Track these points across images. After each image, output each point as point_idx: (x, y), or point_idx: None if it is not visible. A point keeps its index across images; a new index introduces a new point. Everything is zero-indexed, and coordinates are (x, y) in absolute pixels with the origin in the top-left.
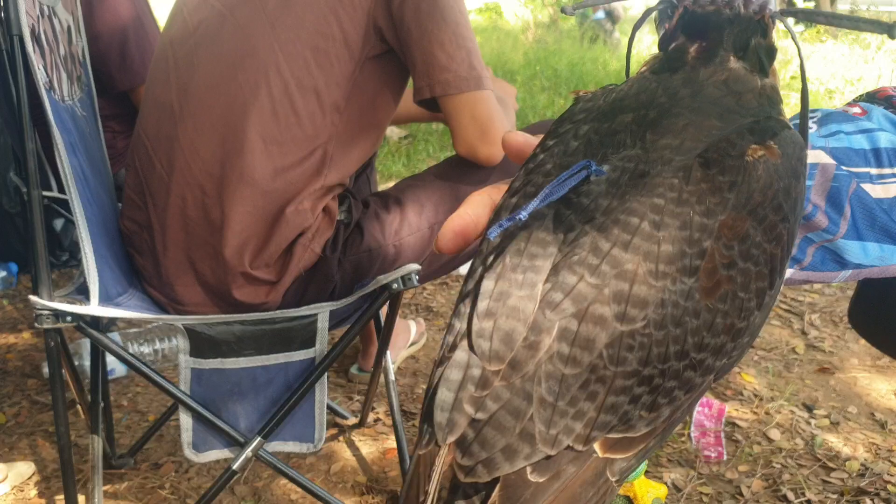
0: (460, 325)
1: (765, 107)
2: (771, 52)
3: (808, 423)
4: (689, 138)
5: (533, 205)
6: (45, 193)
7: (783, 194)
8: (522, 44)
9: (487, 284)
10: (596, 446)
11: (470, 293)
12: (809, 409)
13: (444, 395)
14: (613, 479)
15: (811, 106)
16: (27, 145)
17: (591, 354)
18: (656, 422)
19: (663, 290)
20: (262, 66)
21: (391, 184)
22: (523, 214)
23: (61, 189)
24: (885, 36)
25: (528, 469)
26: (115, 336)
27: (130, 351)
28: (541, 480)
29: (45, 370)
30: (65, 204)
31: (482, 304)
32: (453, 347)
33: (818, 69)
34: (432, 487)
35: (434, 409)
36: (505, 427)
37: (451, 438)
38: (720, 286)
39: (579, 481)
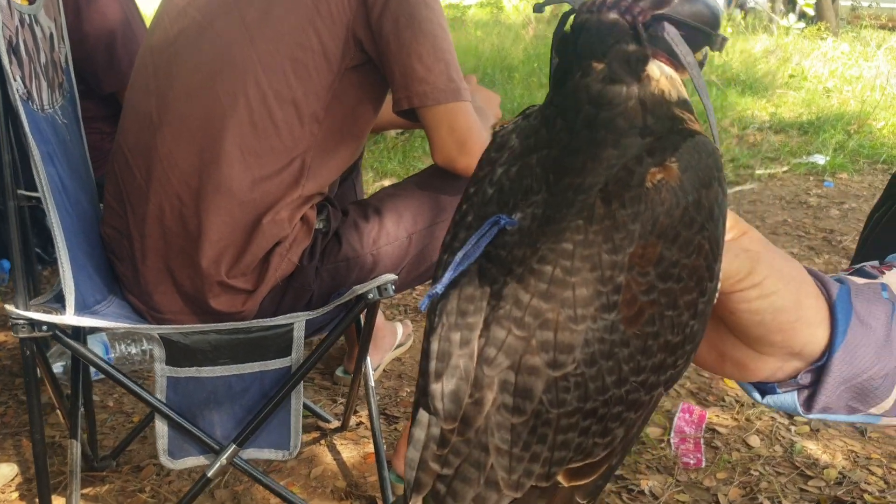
0: (422, 382)
1: (661, 119)
2: (643, 59)
3: (788, 430)
4: (589, 174)
5: (448, 275)
6: (32, 194)
7: (694, 208)
8: (523, 39)
9: (433, 346)
10: (560, 478)
11: (425, 352)
12: (790, 416)
13: (412, 454)
14: (584, 502)
15: (810, 105)
16: (3, 157)
17: (532, 402)
18: (613, 443)
19: (586, 331)
20: (241, 78)
21: (386, 182)
22: (439, 288)
23: None
24: (885, 33)
25: None
26: (103, 336)
27: (118, 351)
28: None
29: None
30: None
31: (431, 365)
32: (416, 404)
33: (817, 67)
34: None
35: (406, 469)
36: (470, 479)
37: (418, 496)
38: (643, 312)
39: None
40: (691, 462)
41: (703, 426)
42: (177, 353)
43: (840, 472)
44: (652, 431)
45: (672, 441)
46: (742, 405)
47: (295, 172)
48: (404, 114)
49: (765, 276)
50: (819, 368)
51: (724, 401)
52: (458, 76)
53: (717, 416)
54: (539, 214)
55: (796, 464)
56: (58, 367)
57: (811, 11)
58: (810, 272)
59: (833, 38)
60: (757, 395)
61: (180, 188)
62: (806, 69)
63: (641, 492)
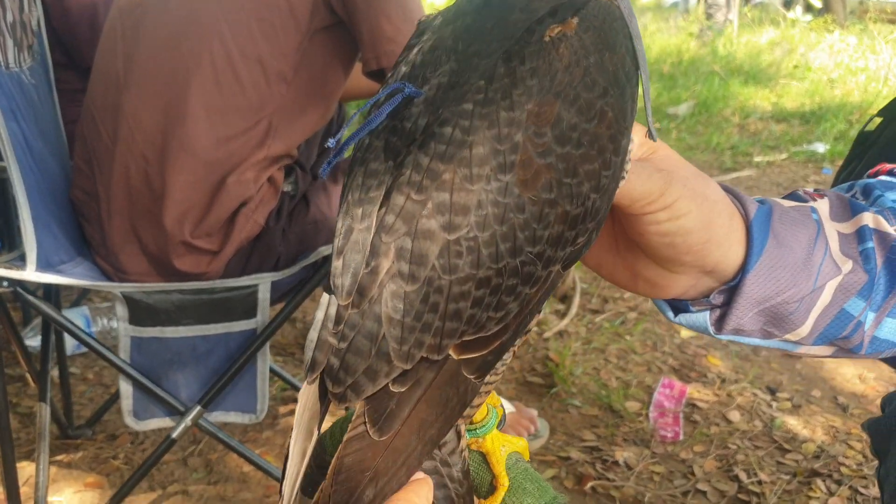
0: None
1: None
2: None
3: (770, 406)
4: (495, 39)
5: (342, 133)
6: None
7: (596, 69)
8: None
9: (338, 224)
10: (451, 352)
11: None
12: (773, 391)
13: (311, 336)
14: (472, 377)
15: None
16: None
17: (425, 268)
18: (507, 319)
19: (480, 192)
20: (206, 35)
21: None
22: (332, 142)
23: None
24: (894, 27)
25: (390, 383)
26: (84, 310)
27: (99, 324)
28: (402, 390)
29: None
30: None
31: (335, 244)
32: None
33: (823, 59)
34: (304, 418)
35: (305, 351)
36: (363, 351)
37: (314, 374)
38: (540, 176)
39: (438, 384)
40: (669, 435)
41: (684, 401)
42: (139, 312)
43: (819, 447)
44: (630, 405)
45: (651, 415)
46: (724, 381)
47: (261, 133)
48: (374, 75)
49: (676, 196)
50: (732, 288)
51: (706, 377)
52: None
53: (699, 391)
54: (444, 83)
55: (775, 438)
56: (36, 341)
57: (818, 3)
58: (728, 190)
59: (840, 30)
60: (670, 314)
61: (145, 147)
62: (810, 60)
63: (616, 462)
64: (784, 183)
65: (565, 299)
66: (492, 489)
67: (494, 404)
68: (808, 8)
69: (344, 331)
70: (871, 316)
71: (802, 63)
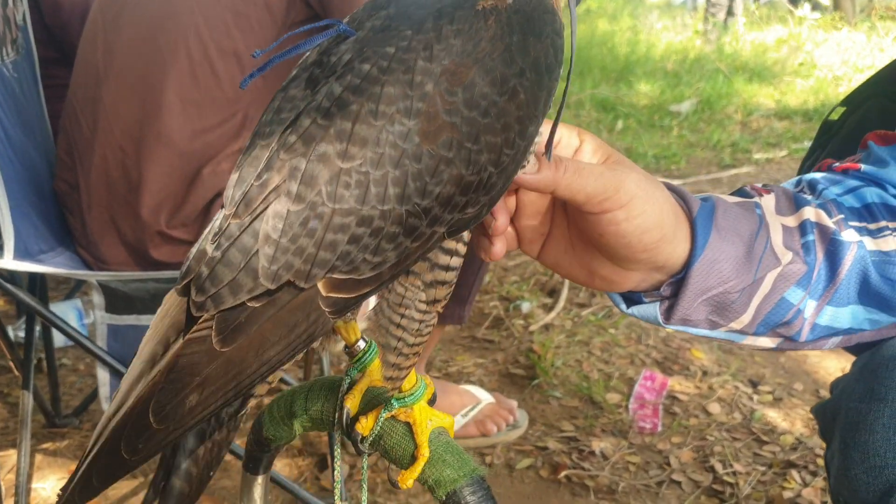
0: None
1: None
2: None
3: (751, 399)
4: None
5: (273, 52)
6: None
7: (518, 49)
8: None
9: (247, 142)
10: (319, 286)
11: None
12: (754, 384)
13: (194, 248)
14: (327, 310)
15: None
16: None
17: (312, 190)
18: (382, 267)
19: (382, 129)
20: (182, 29)
21: None
22: (257, 53)
23: None
24: None
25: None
26: (77, 302)
27: (91, 317)
28: (256, 306)
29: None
30: None
31: (238, 159)
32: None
33: (829, 56)
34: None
35: (184, 261)
36: (233, 263)
37: (184, 281)
38: (442, 132)
39: (290, 307)
40: (647, 427)
41: (664, 393)
42: (116, 300)
43: (797, 439)
44: (610, 397)
45: (630, 406)
46: (706, 374)
47: (237, 125)
48: None
49: (631, 195)
50: (679, 281)
51: (688, 370)
52: None
53: (680, 384)
54: (377, 26)
55: (753, 430)
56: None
57: (827, 1)
58: (670, 188)
59: (848, 27)
60: (623, 306)
61: (123, 139)
62: (816, 58)
63: (592, 452)
64: (782, 179)
65: (553, 293)
66: (413, 460)
67: (428, 383)
68: (816, 6)
69: (220, 240)
70: (811, 304)
71: (808, 61)
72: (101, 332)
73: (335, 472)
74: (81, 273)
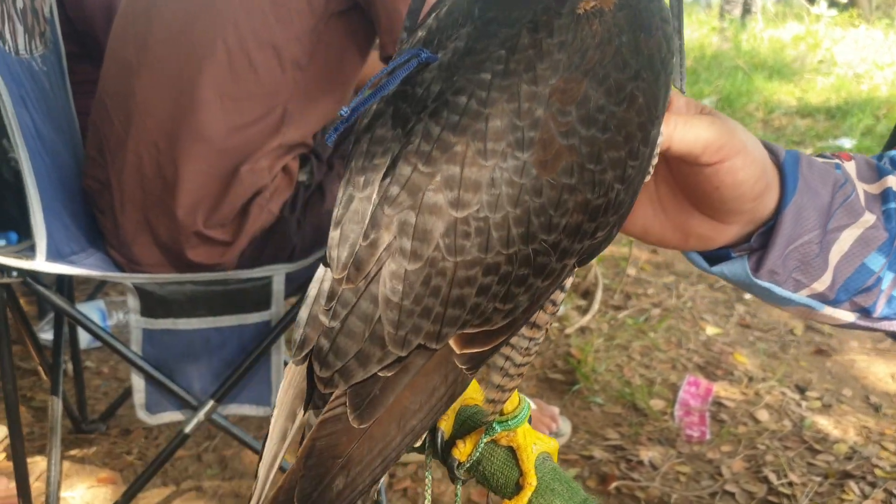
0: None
1: None
2: None
3: (799, 405)
4: (515, 7)
5: (357, 100)
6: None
7: (629, 50)
8: None
9: (339, 193)
10: (452, 343)
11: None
12: (802, 390)
13: (302, 313)
14: (463, 367)
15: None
16: None
17: (429, 246)
18: (515, 313)
19: (494, 168)
20: (219, 20)
21: None
22: (345, 110)
23: None
24: None
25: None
26: (100, 303)
27: (115, 318)
28: (389, 375)
29: (48, 335)
30: None
31: (334, 214)
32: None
33: (848, 53)
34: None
35: (294, 329)
36: (356, 333)
37: (302, 352)
38: (561, 158)
39: (426, 371)
40: (695, 435)
41: (710, 399)
42: (152, 303)
43: (851, 448)
44: (655, 403)
45: (676, 413)
46: (751, 379)
47: (275, 120)
48: (390, 60)
49: (743, 141)
50: (769, 230)
51: (732, 375)
52: None
53: (725, 389)
54: (460, 48)
55: (805, 438)
56: (50, 335)
57: None
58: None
59: (866, 24)
60: (706, 265)
61: (157, 135)
62: (836, 55)
63: (640, 462)
64: None
65: (587, 295)
66: (517, 488)
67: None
68: (833, 3)
69: (336, 308)
70: (889, 275)
71: (828, 58)
72: (136, 337)
73: (427, 502)
74: (117, 275)
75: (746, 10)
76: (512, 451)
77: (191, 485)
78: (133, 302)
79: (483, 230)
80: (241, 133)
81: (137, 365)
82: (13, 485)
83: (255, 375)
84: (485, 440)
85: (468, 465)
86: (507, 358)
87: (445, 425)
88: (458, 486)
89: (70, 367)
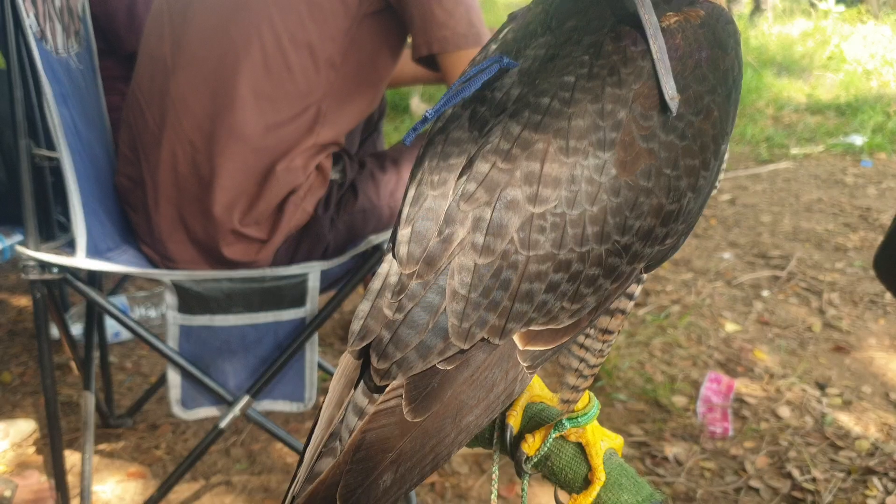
0: (389, 242)
1: None
2: None
3: (820, 402)
4: (594, 17)
5: (440, 103)
6: (45, 153)
7: (708, 64)
8: None
9: (409, 192)
10: (516, 339)
11: (403, 198)
12: (822, 387)
13: (363, 305)
14: (524, 364)
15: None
16: (14, 93)
17: (503, 240)
18: (581, 313)
19: (575, 165)
20: (255, 20)
21: None
22: (430, 112)
23: None
24: None
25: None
26: (122, 299)
27: (136, 313)
28: (449, 368)
29: (54, 331)
30: None
31: (404, 212)
32: (381, 264)
33: (857, 50)
34: (338, 386)
35: (353, 320)
36: (419, 324)
37: (361, 344)
38: (640, 160)
39: (486, 366)
40: (718, 431)
41: (732, 396)
42: (189, 300)
43: (873, 444)
44: (678, 400)
45: (698, 410)
46: (772, 376)
47: (310, 119)
48: (424, 61)
49: None
50: None
51: (752, 371)
52: (480, 21)
53: (746, 386)
54: (542, 55)
55: (827, 435)
56: (76, 329)
57: None
58: None
59: (874, 20)
60: None
61: (193, 133)
62: (844, 52)
63: (665, 458)
64: (822, 175)
65: None
66: (586, 483)
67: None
68: None
69: (402, 301)
70: None
71: (837, 54)
72: (172, 333)
73: (493, 496)
74: (156, 272)
75: (757, 8)
76: (580, 447)
77: (220, 479)
78: (171, 299)
79: (559, 226)
80: (277, 132)
81: (174, 361)
82: (44, 479)
83: (290, 371)
84: (554, 436)
85: (536, 459)
86: (582, 360)
87: (514, 421)
88: (525, 481)
89: (96, 362)
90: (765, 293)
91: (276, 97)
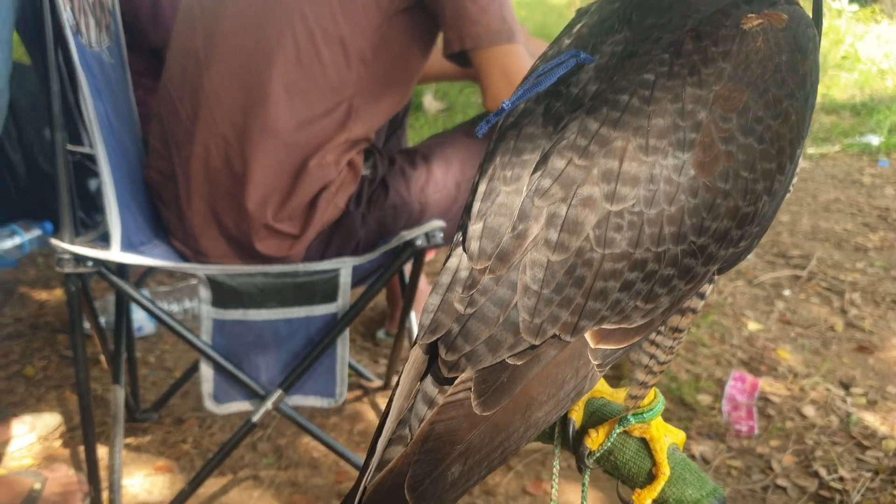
0: (458, 236)
1: None
2: None
3: (844, 401)
4: (676, 15)
5: (517, 94)
6: (78, 149)
7: (787, 68)
8: (566, 18)
9: (480, 187)
10: (588, 337)
11: (472, 192)
12: (846, 386)
13: (432, 300)
14: (595, 362)
15: (863, 87)
16: (51, 87)
17: (578, 237)
18: (654, 313)
19: (654, 164)
20: (288, 14)
21: None
22: (507, 103)
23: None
24: None
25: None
26: (144, 293)
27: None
28: (519, 363)
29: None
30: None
31: (475, 207)
32: (449, 257)
33: (871, 49)
34: (406, 378)
35: (422, 314)
36: (489, 318)
37: (432, 337)
38: (718, 162)
39: (557, 362)
40: (744, 430)
41: (756, 395)
42: (223, 294)
43: None
44: (703, 398)
45: (724, 409)
46: (796, 376)
47: (341, 115)
48: (455, 57)
49: None
50: None
51: (776, 371)
52: (512, 17)
53: (770, 385)
54: (619, 51)
55: (853, 434)
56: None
57: None
58: None
59: (889, 20)
60: None
61: (225, 128)
62: (859, 51)
63: (692, 456)
64: (839, 175)
65: None
66: (650, 478)
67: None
68: None
69: (474, 296)
70: None
71: (851, 54)
72: (206, 327)
73: (553, 490)
74: (190, 266)
75: None
76: (643, 442)
77: (248, 473)
78: (204, 293)
79: (636, 224)
80: (309, 127)
81: (208, 355)
82: (72, 472)
83: (321, 367)
84: (618, 431)
85: (599, 454)
86: (652, 356)
87: (576, 416)
88: (586, 475)
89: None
90: (786, 292)
91: (308, 92)
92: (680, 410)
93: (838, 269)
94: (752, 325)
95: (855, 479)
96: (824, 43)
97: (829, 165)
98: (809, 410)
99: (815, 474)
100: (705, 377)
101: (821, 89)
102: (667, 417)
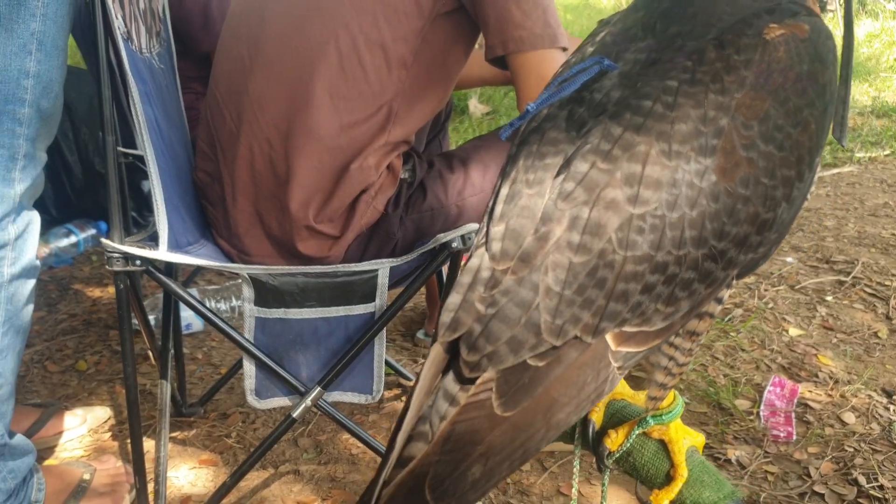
0: (479, 237)
1: None
2: None
3: (887, 409)
4: (699, 24)
5: (541, 99)
6: (129, 151)
7: (808, 78)
8: None
9: (502, 190)
10: (609, 339)
11: (494, 195)
12: (889, 394)
13: (453, 298)
14: (616, 365)
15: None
16: (103, 92)
17: (601, 240)
18: (674, 316)
19: (677, 169)
20: (331, 21)
21: None
22: (532, 106)
23: None
24: None
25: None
26: (193, 292)
27: (207, 306)
28: (540, 364)
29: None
30: None
31: (497, 209)
32: (470, 258)
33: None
34: (427, 376)
35: (442, 312)
36: (511, 318)
37: (452, 336)
38: (739, 168)
39: (578, 364)
40: (781, 435)
41: (795, 401)
42: (265, 294)
43: None
44: (740, 403)
45: (762, 413)
46: (837, 382)
47: (382, 119)
48: (498, 62)
49: None
50: None
51: (817, 377)
52: (556, 21)
53: (810, 391)
54: (643, 59)
55: (894, 442)
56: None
57: None
58: None
59: None
60: None
61: (270, 131)
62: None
63: (728, 460)
64: (888, 179)
65: None
66: (668, 479)
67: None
68: None
69: (496, 296)
70: None
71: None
72: (249, 325)
73: (574, 490)
74: (233, 266)
75: (822, 9)
76: (662, 444)
77: (288, 468)
78: (248, 292)
79: (658, 228)
80: (351, 131)
81: (250, 352)
82: (120, 464)
83: (359, 364)
84: (637, 432)
85: (618, 455)
86: (671, 358)
87: (596, 416)
88: (606, 476)
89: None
90: (829, 298)
91: (351, 97)
92: (717, 415)
93: (884, 274)
94: (793, 331)
95: (895, 487)
96: (876, 45)
97: (878, 170)
98: (850, 417)
99: (855, 482)
100: (744, 382)
101: (872, 92)
102: (703, 421)
